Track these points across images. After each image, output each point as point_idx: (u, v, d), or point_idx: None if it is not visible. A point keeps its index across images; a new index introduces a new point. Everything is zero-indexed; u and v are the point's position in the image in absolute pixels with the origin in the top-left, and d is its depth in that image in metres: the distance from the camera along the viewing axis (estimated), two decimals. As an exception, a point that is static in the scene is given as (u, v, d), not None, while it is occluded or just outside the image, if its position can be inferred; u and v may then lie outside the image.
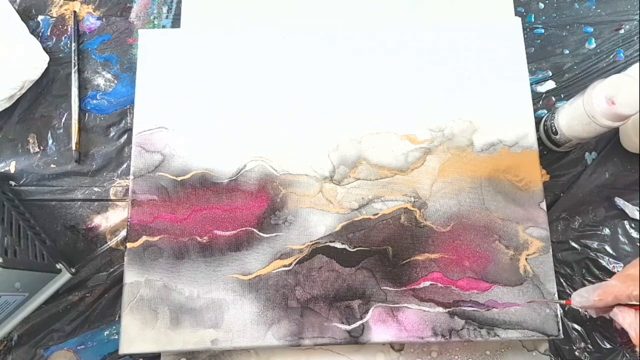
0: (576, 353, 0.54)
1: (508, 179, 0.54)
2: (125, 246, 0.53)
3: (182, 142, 0.56)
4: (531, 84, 0.61)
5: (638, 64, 0.57)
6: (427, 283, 0.52)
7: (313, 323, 0.50)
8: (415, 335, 0.50)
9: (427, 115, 0.56)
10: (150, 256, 0.52)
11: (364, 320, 0.51)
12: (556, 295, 0.51)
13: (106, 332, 0.55)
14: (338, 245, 0.53)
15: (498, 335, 0.50)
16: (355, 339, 0.50)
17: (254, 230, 0.53)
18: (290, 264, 0.52)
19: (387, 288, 0.52)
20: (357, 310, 0.51)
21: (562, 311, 0.53)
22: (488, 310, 0.51)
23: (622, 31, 0.64)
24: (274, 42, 0.59)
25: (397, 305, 0.51)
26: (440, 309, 0.51)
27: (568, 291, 0.55)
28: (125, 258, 0.52)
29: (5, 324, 0.53)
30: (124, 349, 0.50)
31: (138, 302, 0.51)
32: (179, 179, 0.54)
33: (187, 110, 0.56)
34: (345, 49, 0.59)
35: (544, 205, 0.54)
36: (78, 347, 0.55)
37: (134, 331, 0.50)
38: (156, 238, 0.53)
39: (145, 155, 0.55)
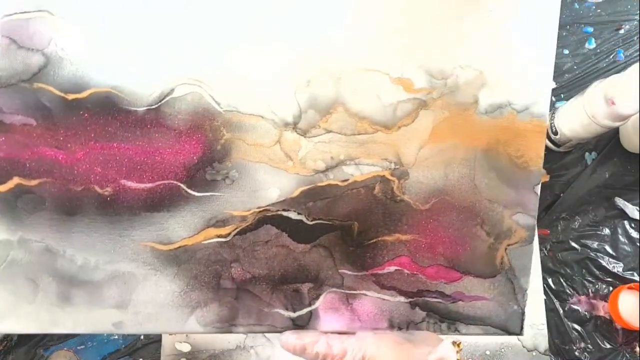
0: (576, 353, 0.53)
1: (507, 153, 0.44)
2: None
3: (77, 38, 0.37)
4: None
5: (638, 64, 0.54)
6: (392, 268, 0.43)
7: (250, 308, 0.40)
8: (369, 326, 0.43)
9: (430, 56, 0.42)
10: (25, 207, 0.37)
11: (313, 307, 0.42)
12: (528, 291, 0.46)
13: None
14: (293, 215, 0.41)
15: (459, 331, 0.45)
16: (299, 328, 0.41)
17: (181, 185, 0.39)
18: (228, 234, 0.40)
19: (346, 271, 0.42)
20: (306, 295, 0.42)
21: (562, 311, 0.52)
22: (453, 302, 0.44)
23: (622, 31, 0.64)
24: None
25: (354, 292, 0.42)
26: (402, 299, 0.43)
27: (568, 291, 0.55)
28: (-13, 206, 0.36)
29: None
30: (-11, 329, 0.37)
31: (8, 268, 0.37)
32: (70, 97, 0.37)
33: (86, -11, 0.37)
34: None
35: (538, 189, 0.45)
36: (78, 347, 0.54)
37: (3, 305, 0.37)
38: (34, 182, 0.37)
39: (17, 53, 0.36)
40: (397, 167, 0.42)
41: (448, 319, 0.44)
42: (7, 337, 0.53)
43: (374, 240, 0.42)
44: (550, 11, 0.44)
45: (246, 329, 0.41)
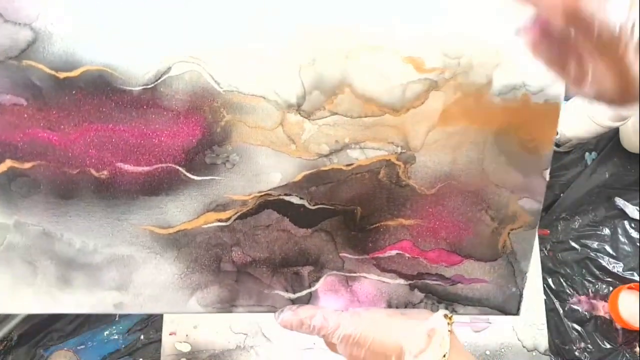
0: (576, 353, 0.54)
1: (519, 136, 0.43)
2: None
3: (67, 12, 0.34)
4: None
5: (638, 63, 0.50)
6: (394, 252, 0.43)
7: (250, 290, 0.41)
8: (368, 307, 0.43)
9: (444, 33, 0.39)
10: (19, 190, 0.36)
11: (313, 289, 0.42)
12: (528, 274, 0.46)
13: (106, 332, 0.54)
14: (295, 199, 0.40)
15: (456, 312, 0.45)
16: (298, 309, 0.42)
17: (180, 168, 0.37)
18: (229, 218, 0.39)
19: (347, 255, 0.42)
20: (306, 278, 0.41)
21: (562, 311, 0.52)
22: (453, 284, 0.45)
23: (622, 31, 0.60)
24: None
25: (354, 275, 0.42)
26: (402, 281, 0.44)
27: (568, 291, 0.54)
28: (-20, 189, 0.35)
29: (5, 324, 0.52)
30: (-9, 310, 0.37)
31: (5, 251, 0.36)
32: (62, 75, 0.35)
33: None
34: None
35: (546, 173, 0.44)
36: (78, 347, 0.54)
37: (3, 287, 0.37)
38: (28, 165, 0.35)
39: (3, 27, 0.33)
40: (403, 151, 0.41)
41: (446, 300, 0.45)
42: (7, 337, 0.53)
43: (377, 225, 0.42)
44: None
45: (246, 309, 0.41)
